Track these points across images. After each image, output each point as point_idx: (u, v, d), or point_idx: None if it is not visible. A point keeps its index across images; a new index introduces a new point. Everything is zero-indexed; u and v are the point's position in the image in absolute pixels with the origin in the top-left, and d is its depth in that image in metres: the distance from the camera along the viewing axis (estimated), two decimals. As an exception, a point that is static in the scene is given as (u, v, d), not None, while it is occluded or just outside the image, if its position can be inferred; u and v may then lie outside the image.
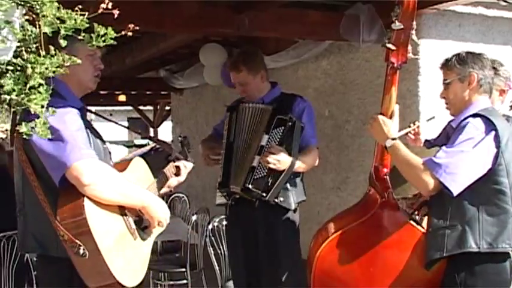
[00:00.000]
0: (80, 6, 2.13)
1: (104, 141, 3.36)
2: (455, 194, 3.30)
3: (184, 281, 6.82)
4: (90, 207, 2.88)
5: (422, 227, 3.53)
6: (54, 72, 2.13)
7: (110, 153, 3.43)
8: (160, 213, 3.29)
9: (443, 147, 3.39)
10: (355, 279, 3.59)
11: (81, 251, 2.81)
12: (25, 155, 3.01)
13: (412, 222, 3.56)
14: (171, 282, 7.13)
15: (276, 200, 4.41)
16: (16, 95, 2.06)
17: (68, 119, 2.96)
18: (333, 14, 6.19)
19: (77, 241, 2.81)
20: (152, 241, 3.43)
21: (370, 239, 3.58)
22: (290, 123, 4.30)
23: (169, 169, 3.84)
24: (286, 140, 4.33)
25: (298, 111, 4.55)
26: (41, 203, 2.94)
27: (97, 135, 3.28)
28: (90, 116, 3.97)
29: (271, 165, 4.26)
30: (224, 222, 5.82)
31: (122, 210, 3.11)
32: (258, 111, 4.53)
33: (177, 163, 3.84)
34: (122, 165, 3.38)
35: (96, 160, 2.96)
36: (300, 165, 4.42)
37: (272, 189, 4.35)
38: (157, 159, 4.01)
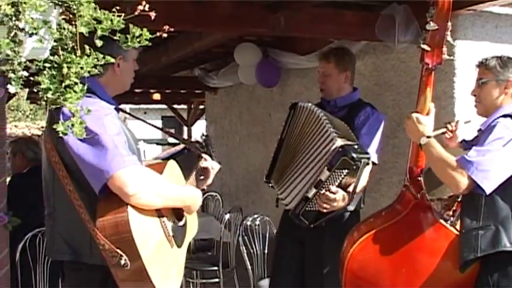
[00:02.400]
0: (118, 7, 2.15)
1: (137, 141, 3.24)
2: (487, 192, 3.29)
3: (216, 280, 6.84)
4: (134, 216, 2.76)
5: (456, 229, 3.52)
6: (89, 72, 2.14)
7: (141, 152, 3.39)
8: (198, 206, 3.30)
9: (474, 147, 3.39)
10: (387, 280, 3.59)
11: (123, 262, 2.70)
12: (58, 156, 2.89)
13: (445, 223, 3.54)
14: (203, 281, 7.15)
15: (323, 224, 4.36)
16: (52, 94, 2.07)
17: (107, 122, 2.83)
18: (368, 14, 6.17)
19: (118, 251, 2.71)
20: (186, 247, 3.35)
21: (402, 240, 3.57)
22: (355, 167, 4.06)
23: (198, 172, 3.70)
24: (347, 180, 4.15)
25: (362, 121, 4.53)
26: (77, 208, 2.82)
27: (131, 135, 3.15)
28: (124, 114, 3.99)
29: (325, 206, 4.12)
30: (257, 222, 5.84)
31: (159, 214, 3.00)
32: (320, 124, 4.31)
33: (204, 164, 3.71)
34: (158, 167, 3.24)
35: (140, 167, 2.85)
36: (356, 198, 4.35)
37: (318, 221, 4.30)
38: (190, 158, 4.00)
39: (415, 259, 3.55)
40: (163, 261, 2.98)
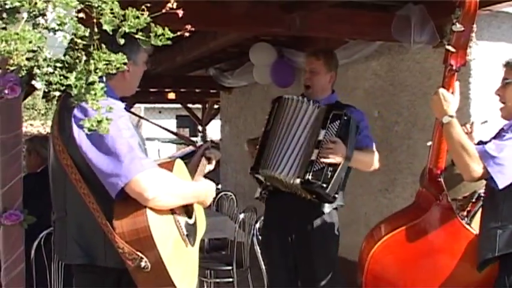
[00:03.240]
0: (148, 5, 2.15)
1: (144, 142, 3.21)
2: (500, 186, 3.30)
3: (230, 279, 6.85)
4: (153, 218, 2.75)
5: (473, 229, 3.52)
6: (118, 68, 2.14)
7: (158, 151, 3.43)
8: (211, 197, 3.33)
9: (493, 140, 3.39)
10: (407, 280, 3.59)
11: (143, 264, 2.70)
12: (70, 159, 2.84)
13: (465, 224, 3.54)
14: (217, 280, 7.17)
15: (336, 196, 4.42)
16: (77, 91, 2.08)
17: (122, 125, 2.81)
18: (384, 14, 6.16)
19: (139, 253, 2.70)
20: (198, 246, 3.37)
21: (423, 241, 3.58)
22: (345, 118, 4.35)
23: (203, 163, 3.67)
24: (342, 134, 4.36)
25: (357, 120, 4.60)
26: (92, 212, 2.79)
27: (139, 136, 3.10)
28: (139, 113, 4.00)
29: (330, 157, 4.30)
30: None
31: (172, 211, 2.98)
32: (308, 106, 4.56)
33: (208, 154, 3.68)
34: (167, 166, 3.20)
35: (156, 169, 2.82)
36: (356, 159, 4.46)
37: (331, 182, 4.34)
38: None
39: (435, 260, 3.56)
40: (181, 260, 2.99)
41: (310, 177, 4.35)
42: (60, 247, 3.03)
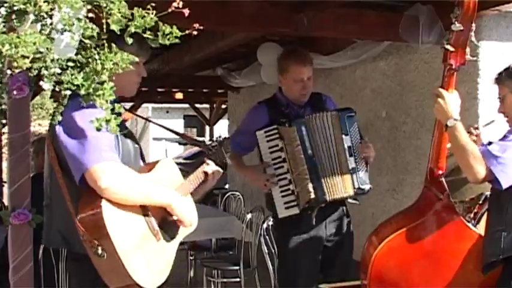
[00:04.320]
0: (153, 4, 2.16)
1: (136, 141, 3.39)
2: (504, 186, 3.30)
3: (237, 279, 6.85)
4: (108, 208, 2.89)
5: (477, 229, 3.51)
6: (123, 68, 2.16)
7: (142, 152, 3.47)
8: (185, 212, 3.29)
9: (496, 141, 3.39)
10: (411, 281, 3.58)
11: (99, 252, 2.84)
12: (54, 151, 3.06)
13: (468, 224, 3.53)
14: (224, 280, 7.17)
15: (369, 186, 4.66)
16: (85, 90, 2.09)
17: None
18: (392, 14, 6.15)
19: (95, 241, 2.84)
20: (178, 242, 3.43)
21: (426, 241, 3.57)
22: (355, 115, 4.57)
23: (198, 175, 3.73)
24: (360, 132, 4.58)
25: (333, 105, 4.87)
26: (66, 201, 2.99)
27: (129, 135, 3.31)
28: (147, 113, 4.03)
29: (371, 159, 4.59)
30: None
31: (144, 210, 3.11)
32: (325, 117, 4.60)
33: (206, 168, 3.75)
34: (149, 166, 3.40)
35: (116, 163, 2.96)
36: None
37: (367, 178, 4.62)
38: (213, 157, 4.00)
39: (439, 260, 3.55)
40: (145, 253, 3.07)
41: (361, 186, 4.62)
42: (46, 233, 3.24)
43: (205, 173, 3.75)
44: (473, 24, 3.43)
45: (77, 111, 2.85)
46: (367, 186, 4.62)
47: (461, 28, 3.39)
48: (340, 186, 4.57)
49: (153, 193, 3.13)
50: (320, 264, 4.74)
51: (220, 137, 4.12)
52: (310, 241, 4.72)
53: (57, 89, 2.16)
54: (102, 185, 2.84)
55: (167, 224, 3.29)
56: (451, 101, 3.46)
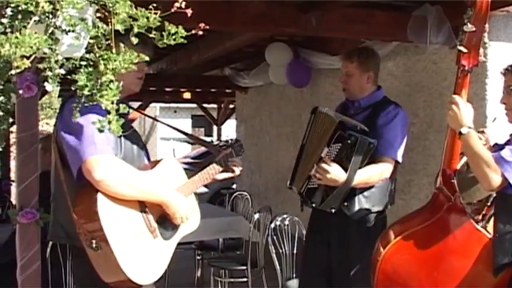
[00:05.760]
0: (155, 5, 2.16)
1: (140, 140, 3.45)
2: None
3: (245, 279, 6.84)
4: (103, 202, 2.94)
5: (488, 233, 3.49)
6: (126, 68, 2.17)
7: (147, 151, 3.49)
8: (181, 209, 3.32)
9: (508, 147, 3.36)
10: (419, 282, 3.57)
11: (94, 245, 2.89)
12: (57, 147, 3.12)
13: (478, 227, 3.51)
14: (231, 280, 7.17)
15: (333, 210, 4.39)
16: (88, 91, 2.09)
17: (92, 116, 2.88)
18: (400, 14, 6.14)
19: (90, 234, 2.89)
20: (177, 241, 3.46)
21: (435, 243, 3.55)
22: (349, 141, 4.18)
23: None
24: (343, 157, 4.25)
25: (386, 120, 4.51)
26: (65, 195, 3.04)
27: (133, 134, 3.37)
28: (155, 113, 4.04)
29: (317, 179, 4.25)
30: (286, 222, 5.85)
31: (142, 207, 3.16)
32: (327, 118, 4.47)
33: (232, 165, 3.84)
34: (151, 164, 3.46)
35: (111, 156, 3.01)
36: (359, 182, 4.31)
37: (324, 201, 4.36)
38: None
39: (448, 262, 3.52)
40: (139, 250, 3.12)
41: (304, 194, 4.46)
42: (50, 228, 3.29)
43: (232, 170, 3.86)
44: (486, 25, 3.41)
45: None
46: (308, 199, 4.49)
47: (474, 29, 3.37)
48: (299, 182, 4.56)
49: (148, 188, 3.17)
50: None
51: (231, 139, 4.12)
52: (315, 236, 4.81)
53: (66, 88, 2.18)
54: (96, 176, 2.90)
55: (166, 222, 3.33)
56: (465, 108, 3.44)
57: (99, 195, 2.93)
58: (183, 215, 3.34)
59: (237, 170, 3.89)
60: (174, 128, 4.28)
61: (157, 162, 3.47)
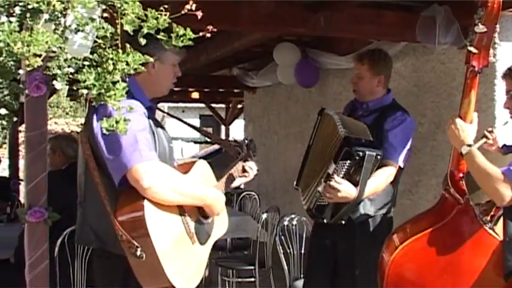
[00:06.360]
0: (166, 6, 2.17)
1: (170, 141, 3.37)
2: None
3: (252, 279, 6.85)
4: (150, 209, 2.88)
5: (498, 235, 3.47)
6: (135, 69, 2.17)
7: (180, 150, 3.47)
8: (221, 209, 3.35)
9: None
10: (428, 285, 3.55)
11: (138, 253, 2.82)
12: (90, 149, 3.03)
13: (489, 230, 3.49)
14: (239, 280, 7.18)
15: (343, 222, 4.40)
16: (96, 91, 2.10)
17: (133, 118, 2.82)
18: (409, 15, 6.13)
19: (134, 242, 2.82)
20: (211, 246, 3.44)
21: (445, 246, 3.53)
22: (357, 158, 4.12)
23: (237, 168, 3.81)
24: (352, 173, 4.21)
25: (392, 126, 4.51)
26: (102, 200, 2.95)
27: (165, 135, 3.30)
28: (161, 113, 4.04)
29: (334, 198, 4.20)
30: (294, 222, 5.85)
31: (181, 211, 3.11)
32: (333, 129, 4.41)
33: (245, 165, 3.82)
34: (185, 167, 3.40)
35: (157, 162, 2.95)
36: (368, 193, 4.31)
37: (336, 216, 4.35)
38: (228, 156, 4.02)
39: (457, 265, 3.51)
40: (181, 256, 3.07)
41: (314, 210, 4.42)
42: (79, 231, 3.25)
43: (244, 170, 3.85)
44: (497, 26, 3.40)
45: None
46: (318, 216, 4.45)
47: (485, 30, 3.35)
48: (308, 193, 4.53)
49: (193, 192, 3.15)
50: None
51: (247, 139, 4.13)
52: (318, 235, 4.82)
53: (74, 88, 2.18)
54: (144, 184, 2.83)
55: (201, 227, 3.30)
56: (465, 127, 3.43)
57: (146, 203, 2.87)
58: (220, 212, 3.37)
59: (252, 174, 3.88)
60: (195, 128, 4.30)
61: (191, 164, 3.45)
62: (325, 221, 4.40)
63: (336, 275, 4.68)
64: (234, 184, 3.84)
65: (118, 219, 2.88)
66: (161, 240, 2.89)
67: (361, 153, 4.10)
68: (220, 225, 3.52)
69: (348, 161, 4.17)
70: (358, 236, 4.53)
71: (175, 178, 3.03)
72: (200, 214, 3.30)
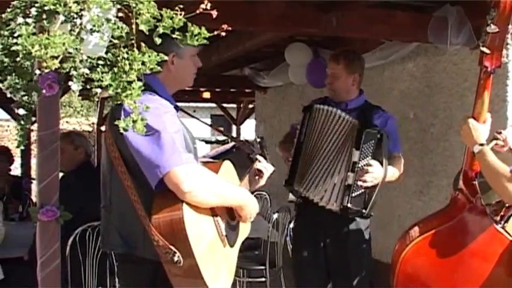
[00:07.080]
0: (181, 6, 2.18)
1: (194, 141, 3.32)
2: None
3: (263, 279, 6.86)
4: (189, 213, 2.82)
5: (510, 234, 3.47)
6: (151, 69, 2.18)
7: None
8: (253, 210, 3.33)
9: None
10: (438, 284, 3.56)
11: (176, 258, 2.77)
12: (118, 151, 2.98)
13: (500, 229, 3.49)
14: (250, 279, 7.18)
15: (372, 214, 4.43)
16: (113, 90, 2.11)
17: (167, 120, 2.91)
18: (421, 15, 6.12)
19: (172, 247, 2.78)
20: (238, 248, 3.44)
21: (456, 244, 3.54)
22: (379, 136, 4.30)
23: (253, 172, 3.75)
24: (377, 154, 4.33)
25: (381, 123, 4.61)
26: (133, 204, 2.91)
27: (189, 134, 3.25)
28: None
29: (368, 184, 4.28)
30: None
31: (213, 212, 3.06)
32: (336, 118, 4.54)
33: (259, 166, 3.72)
34: (214, 166, 3.33)
35: (196, 165, 2.92)
36: (391, 176, 4.48)
37: (369, 204, 4.38)
38: (239, 156, 4.02)
39: (468, 264, 3.51)
40: (216, 259, 3.03)
41: (349, 205, 4.41)
42: (104, 235, 3.22)
43: (259, 170, 3.73)
44: (510, 26, 3.40)
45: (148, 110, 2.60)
46: (356, 209, 4.46)
47: (497, 30, 3.36)
48: (321, 190, 4.55)
49: (229, 194, 3.11)
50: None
51: (258, 137, 4.13)
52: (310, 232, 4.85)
53: (89, 87, 2.19)
54: (185, 188, 2.78)
55: (230, 229, 3.28)
56: (478, 127, 3.44)
57: (185, 206, 2.83)
58: (253, 216, 3.36)
59: (266, 173, 3.77)
60: (217, 130, 4.35)
61: (219, 164, 3.40)
62: (363, 211, 4.45)
63: (330, 273, 4.79)
64: (255, 186, 3.79)
65: (154, 224, 2.83)
66: (199, 244, 2.84)
67: (381, 131, 4.35)
68: (245, 226, 3.53)
69: (372, 141, 4.32)
70: (348, 229, 4.65)
71: (213, 181, 2.99)
72: (228, 215, 3.27)
